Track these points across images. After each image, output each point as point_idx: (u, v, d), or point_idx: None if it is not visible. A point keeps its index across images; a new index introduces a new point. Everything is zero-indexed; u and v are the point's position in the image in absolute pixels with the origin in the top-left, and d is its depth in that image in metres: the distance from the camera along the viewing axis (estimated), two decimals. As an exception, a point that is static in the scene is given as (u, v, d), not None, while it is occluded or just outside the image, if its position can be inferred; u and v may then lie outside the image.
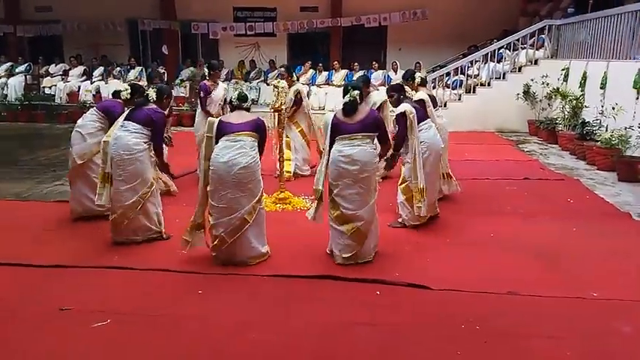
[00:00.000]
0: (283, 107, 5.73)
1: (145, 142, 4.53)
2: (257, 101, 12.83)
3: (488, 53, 11.44)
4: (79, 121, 5.43)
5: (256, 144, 4.21)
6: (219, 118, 4.29)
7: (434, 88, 11.56)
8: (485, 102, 11.18)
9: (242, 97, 4.36)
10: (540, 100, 10.65)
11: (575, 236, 4.91)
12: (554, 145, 9.53)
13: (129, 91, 4.87)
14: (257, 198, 4.15)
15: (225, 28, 13.88)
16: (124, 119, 4.56)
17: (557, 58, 11.00)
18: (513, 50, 11.40)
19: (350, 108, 4.15)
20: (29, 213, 5.63)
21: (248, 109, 4.39)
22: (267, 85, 13.20)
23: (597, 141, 7.81)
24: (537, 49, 11.27)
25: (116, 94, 5.41)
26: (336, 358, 3.02)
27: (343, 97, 4.19)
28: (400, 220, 5.07)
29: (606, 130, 7.82)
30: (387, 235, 4.77)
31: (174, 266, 4.17)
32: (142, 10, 14.10)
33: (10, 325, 3.34)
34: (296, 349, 3.10)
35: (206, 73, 7.10)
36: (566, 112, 9.42)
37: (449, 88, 11.72)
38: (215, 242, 4.14)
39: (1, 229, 5.08)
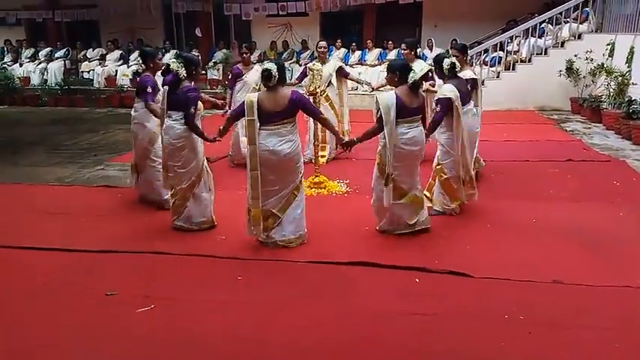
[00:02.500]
0: (318, 90, 5.67)
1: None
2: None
3: (529, 28, 11.00)
4: (133, 113, 5.36)
5: (295, 127, 4.22)
6: (256, 99, 4.09)
7: (471, 65, 11.25)
8: (526, 79, 10.80)
9: (266, 76, 4.06)
10: (584, 77, 10.21)
11: (622, 221, 4.74)
12: (598, 124, 9.17)
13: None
14: (299, 180, 4.27)
15: (257, 9, 13.78)
16: (167, 108, 4.50)
17: (602, 32, 10.51)
18: (555, 24, 10.93)
19: (415, 88, 4.20)
20: (73, 198, 5.80)
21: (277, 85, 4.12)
22: (300, 65, 13.11)
23: (645, 120, 7.48)
24: (581, 23, 10.78)
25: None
26: (373, 347, 3.01)
27: (403, 74, 4.19)
28: (438, 208, 4.98)
29: (655, 109, 7.48)
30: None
31: (215, 252, 4.23)
32: (176, -8, 14.13)
33: (56, 310, 3.46)
34: (333, 336, 3.11)
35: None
36: (611, 90, 9.03)
37: (487, 65, 11.38)
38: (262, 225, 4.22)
39: (46, 214, 5.25)
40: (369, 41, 12.89)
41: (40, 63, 14.42)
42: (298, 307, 3.43)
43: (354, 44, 12.97)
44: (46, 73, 14.21)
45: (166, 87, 4.48)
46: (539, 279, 3.67)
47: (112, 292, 3.62)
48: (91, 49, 14.56)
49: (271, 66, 4.04)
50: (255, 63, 6.90)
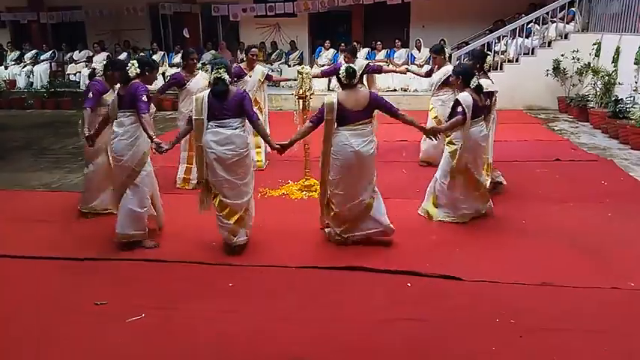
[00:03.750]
0: (308, 94, 5.65)
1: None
2: (278, 84, 12.73)
3: (516, 28, 11.08)
4: (117, 129, 4.55)
5: (373, 127, 4.26)
6: (335, 99, 4.05)
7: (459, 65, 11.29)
8: (513, 79, 10.85)
9: (351, 74, 4.07)
10: (571, 77, 10.31)
11: (611, 222, 4.78)
12: (585, 123, 9.25)
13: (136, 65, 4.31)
14: (375, 179, 4.28)
15: (245, 10, 13.74)
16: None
17: (589, 31, 10.61)
18: (542, 24, 11.02)
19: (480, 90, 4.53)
20: (59, 204, 5.70)
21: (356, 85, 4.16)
22: (289, 66, 13.09)
23: (631, 119, 7.55)
24: (567, 23, 10.86)
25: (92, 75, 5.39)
26: (367, 352, 3.01)
27: (466, 79, 4.56)
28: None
29: (641, 108, 7.56)
30: (415, 224, 4.75)
31: (205, 258, 4.19)
32: (163, -6, 14.04)
33: (45, 320, 3.41)
34: (327, 343, 3.10)
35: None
36: (597, 89, 9.13)
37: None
38: (342, 228, 4.28)
39: (33, 221, 5.15)
40: (356, 42, 12.88)
41: (25, 65, 14.23)
42: (292, 314, 3.41)
43: (342, 45, 12.94)
44: (31, 75, 14.04)
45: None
46: (528, 281, 3.69)
47: (102, 302, 3.58)
48: (77, 51, 14.40)
49: (350, 66, 4.12)
50: (199, 69, 6.61)
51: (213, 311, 3.45)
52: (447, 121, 4.78)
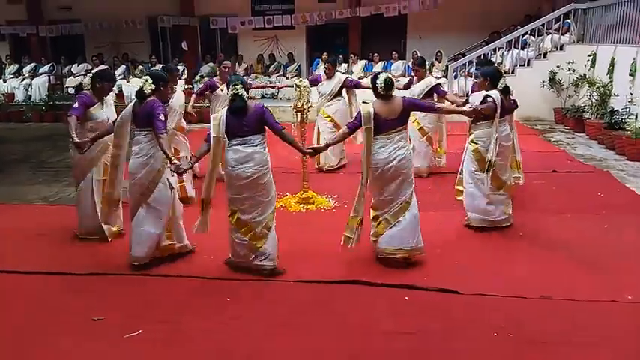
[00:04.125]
0: (306, 107, 5.69)
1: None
2: (276, 95, 12.83)
3: (511, 40, 11.18)
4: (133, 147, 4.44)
5: (405, 134, 4.27)
6: (371, 108, 4.06)
7: (455, 77, 11.39)
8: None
9: (389, 85, 4.07)
10: (566, 88, 10.39)
11: (607, 234, 4.80)
12: (581, 134, 9.31)
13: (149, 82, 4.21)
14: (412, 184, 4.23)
15: (243, 23, 13.85)
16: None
17: (584, 43, 10.69)
18: (538, 36, 11.12)
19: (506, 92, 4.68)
20: (57, 218, 5.70)
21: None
22: (287, 78, 13.17)
23: (627, 130, 7.61)
24: (563, 35, 10.97)
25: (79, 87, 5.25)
26: (366, 368, 3.01)
27: (494, 80, 4.73)
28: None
29: (636, 119, 7.61)
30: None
31: (202, 272, 4.19)
32: (162, 7, 14.16)
33: (41, 335, 3.41)
34: (327, 353, 3.11)
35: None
36: (593, 100, 9.19)
37: (471, 77, 11.48)
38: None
39: (31, 235, 5.13)
40: (353, 54, 13.02)
41: (24, 79, 14.27)
42: (289, 329, 3.41)
43: (340, 56, 13.04)
44: (30, 88, 14.07)
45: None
46: (527, 294, 3.70)
47: (99, 317, 3.57)
48: (76, 64, 14.45)
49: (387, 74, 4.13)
50: (197, 82, 6.59)
51: (212, 325, 3.46)
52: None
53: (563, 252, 4.38)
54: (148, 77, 4.22)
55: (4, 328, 3.52)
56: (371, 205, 4.31)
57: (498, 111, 4.66)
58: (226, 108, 4.03)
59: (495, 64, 6.07)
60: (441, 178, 6.60)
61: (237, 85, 3.96)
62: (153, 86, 4.18)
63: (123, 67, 13.79)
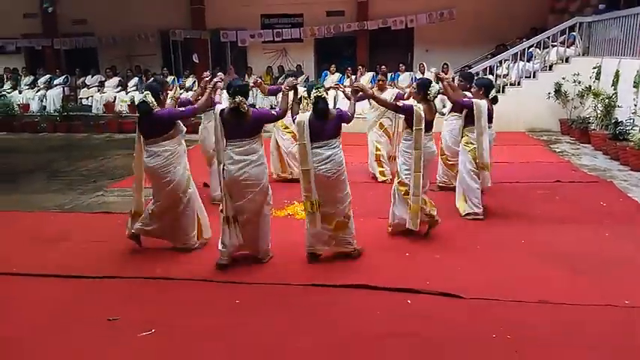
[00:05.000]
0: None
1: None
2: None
3: (517, 52, 11.34)
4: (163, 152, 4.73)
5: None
6: (422, 110, 4.78)
7: (462, 89, 11.52)
8: (516, 102, 11.05)
9: (438, 92, 5.14)
10: (572, 99, 10.50)
11: (608, 242, 4.89)
12: (586, 145, 9.39)
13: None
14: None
15: (253, 36, 14.14)
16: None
17: (589, 55, 10.82)
18: (543, 48, 11.26)
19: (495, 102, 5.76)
20: (73, 224, 5.90)
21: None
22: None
23: (631, 141, 7.69)
24: (568, 47, 11.10)
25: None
26: (369, 367, 3.13)
27: (487, 90, 5.69)
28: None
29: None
30: (416, 242, 4.87)
31: (212, 276, 4.35)
32: (174, 21, 14.51)
33: (58, 336, 3.56)
34: (329, 353, 3.23)
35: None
36: (598, 112, 9.28)
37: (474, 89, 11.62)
38: None
39: (46, 241, 5.33)
40: (361, 66, 13.23)
41: (39, 90, 14.62)
42: (294, 331, 3.53)
43: (349, 68, 13.26)
44: (44, 99, 14.40)
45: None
46: (526, 299, 3.80)
47: (114, 318, 3.73)
48: (90, 76, 14.78)
49: None
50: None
51: (221, 326, 3.60)
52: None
53: (563, 259, 4.47)
54: (147, 92, 4.52)
55: (22, 328, 3.67)
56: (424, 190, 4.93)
57: (485, 121, 5.47)
58: (308, 113, 4.39)
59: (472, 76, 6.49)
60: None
61: (320, 88, 4.37)
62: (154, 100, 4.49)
63: (136, 78, 14.09)
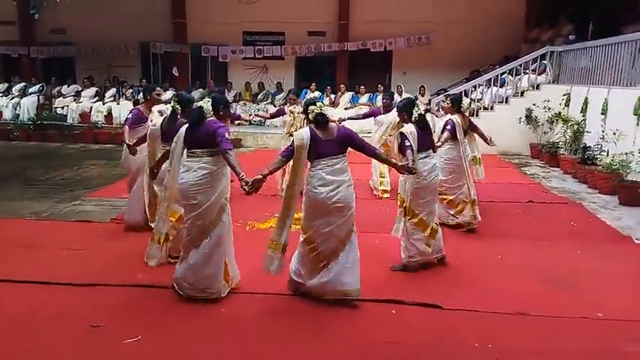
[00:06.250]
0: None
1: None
2: (264, 123, 13.11)
3: (491, 78, 11.76)
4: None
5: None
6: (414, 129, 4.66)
7: (437, 111, 11.85)
8: (489, 125, 11.20)
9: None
10: (542, 125, 10.91)
11: (580, 259, 5.11)
12: (555, 169, 9.76)
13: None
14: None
15: (234, 52, 14.28)
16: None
17: (559, 83, 11.29)
18: (515, 75, 11.72)
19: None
20: (51, 232, 5.83)
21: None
22: (275, 106, 13.51)
23: (598, 165, 8.04)
24: (539, 75, 11.57)
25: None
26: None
27: (457, 104, 5.86)
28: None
29: (607, 155, 8.05)
30: (398, 256, 4.97)
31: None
32: (155, 34, 14.52)
33: (42, 343, 3.50)
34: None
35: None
36: (567, 137, 9.67)
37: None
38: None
39: (27, 247, 5.25)
40: (342, 85, 13.49)
41: (13, 97, 14.36)
42: (281, 341, 3.56)
43: (329, 87, 13.48)
44: (18, 107, 14.14)
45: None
46: (505, 310, 3.95)
47: (98, 324, 3.70)
48: (66, 86, 14.59)
49: None
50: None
51: (207, 334, 3.61)
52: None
53: (539, 274, 4.66)
54: (208, 100, 4.11)
55: (3, 334, 3.61)
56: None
57: (462, 135, 5.71)
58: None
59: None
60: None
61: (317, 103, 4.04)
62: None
63: (113, 89, 14.00)
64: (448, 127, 5.70)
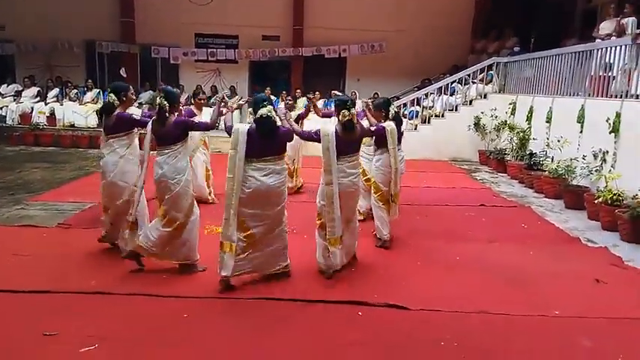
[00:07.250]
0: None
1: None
2: (217, 126, 12.89)
3: (442, 86, 12.11)
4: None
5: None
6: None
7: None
8: (440, 132, 11.77)
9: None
10: (490, 132, 11.33)
11: (533, 259, 5.31)
12: (503, 174, 10.15)
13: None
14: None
15: (186, 54, 14.00)
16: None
17: (505, 92, 11.77)
18: (464, 84, 12.12)
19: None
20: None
21: None
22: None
23: (544, 171, 8.42)
24: (486, 84, 12.04)
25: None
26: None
27: (387, 109, 5.48)
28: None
29: (552, 161, 8.44)
30: (362, 259, 5.00)
31: (155, 290, 4.19)
32: (101, 33, 14.01)
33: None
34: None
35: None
36: (514, 144, 10.08)
37: (405, 118, 12.24)
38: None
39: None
40: (298, 90, 13.48)
41: (-56, 97, 13.42)
42: (251, 345, 3.48)
43: (284, 92, 13.44)
44: (-47, 107, 13.22)
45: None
46: (467, 309, 4.03)
47: (52, 332, 3.48)
48: (5, 85, 13.78)
49: None
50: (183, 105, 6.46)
51: (167, 341, 3.48)
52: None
53: (496, 274, 4.80)
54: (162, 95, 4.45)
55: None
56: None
57: (395, 141, 5.31)
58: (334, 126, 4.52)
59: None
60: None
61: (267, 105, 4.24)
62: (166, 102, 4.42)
63: (56, 90, 13.37)
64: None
